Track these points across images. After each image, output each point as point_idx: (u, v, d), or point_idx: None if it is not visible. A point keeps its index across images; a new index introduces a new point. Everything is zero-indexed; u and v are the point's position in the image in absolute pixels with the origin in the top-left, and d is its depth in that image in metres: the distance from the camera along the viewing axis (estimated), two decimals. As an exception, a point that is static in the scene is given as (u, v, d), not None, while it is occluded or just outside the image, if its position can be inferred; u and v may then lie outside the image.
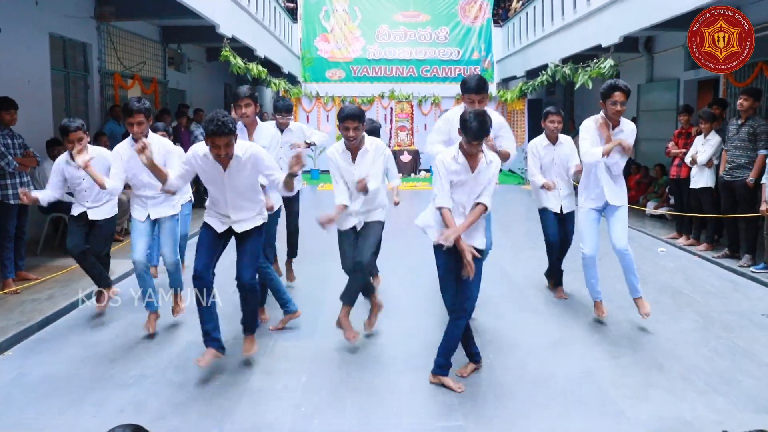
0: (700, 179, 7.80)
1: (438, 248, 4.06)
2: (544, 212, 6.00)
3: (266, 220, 4.48)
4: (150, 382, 4.18)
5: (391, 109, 18.62)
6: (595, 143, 5.01)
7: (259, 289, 4.69)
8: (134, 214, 5.13)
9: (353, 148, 4.64)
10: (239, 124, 4.86)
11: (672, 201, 9.97)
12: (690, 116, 8.43)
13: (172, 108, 12.13)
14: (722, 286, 6.51)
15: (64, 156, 5.36)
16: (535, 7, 15.21)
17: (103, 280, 5.57)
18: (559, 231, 5.95)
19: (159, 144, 4.91)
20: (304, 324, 5.28)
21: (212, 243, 4.32)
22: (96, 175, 4.92)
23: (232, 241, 4.42)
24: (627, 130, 5.02)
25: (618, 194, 5.11)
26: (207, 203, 4.43)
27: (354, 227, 4.81)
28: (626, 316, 5.47)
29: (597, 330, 5.19)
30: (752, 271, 6.78)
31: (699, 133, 7.94)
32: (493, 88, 18.72)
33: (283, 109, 6.01)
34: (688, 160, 7.98)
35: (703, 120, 7.80)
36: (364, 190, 4.58)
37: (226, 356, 4.46)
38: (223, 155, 3.94)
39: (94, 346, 4.81)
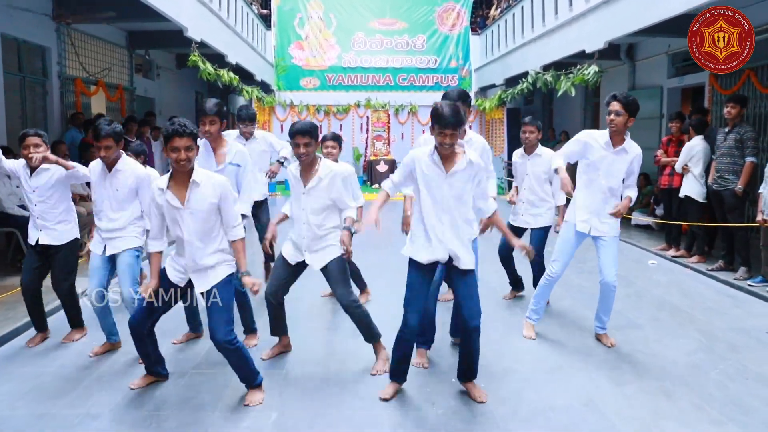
0: (692, 187, 7.51)
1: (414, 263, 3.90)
2: None
3: (235, 270, 3.85)
4: (98, 423, 3.64)
5: (368, 118, 18.21)
6: (569, 156, 4.73)
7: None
8: (91, 246, 4.68)
9: (305, 170, 4.23)
10: (204, 142, 4.52)
11: (657, 212, 9.69)
12: (682, 123, 8.14)
13: (139, 116, 11.58)
14: (721, 302, 6.16)
15: (22, 161, 4.74)
16: (514, 14, 14.93)
17: (41, 323, 4.97)
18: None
19: (131, 171, 4.47)
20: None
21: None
22: (58, 159, 4.58)
23: None
24: (630, 153, 4.57)
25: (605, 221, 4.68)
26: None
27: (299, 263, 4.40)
28: (625, 336, 5.08)
29: (595, 352, 4.78)
30: (749, 285, 6.46)
31: (689, 139, 7.67)
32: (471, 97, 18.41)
33: (247, 118, 6.05)
34: (678, 168, 7.67)
35: (693, 129, 7.57)
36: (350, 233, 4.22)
37: (185, 391, 3.97)
38: (183, 159, 3.52)
39: (35, 379, 4.24)
